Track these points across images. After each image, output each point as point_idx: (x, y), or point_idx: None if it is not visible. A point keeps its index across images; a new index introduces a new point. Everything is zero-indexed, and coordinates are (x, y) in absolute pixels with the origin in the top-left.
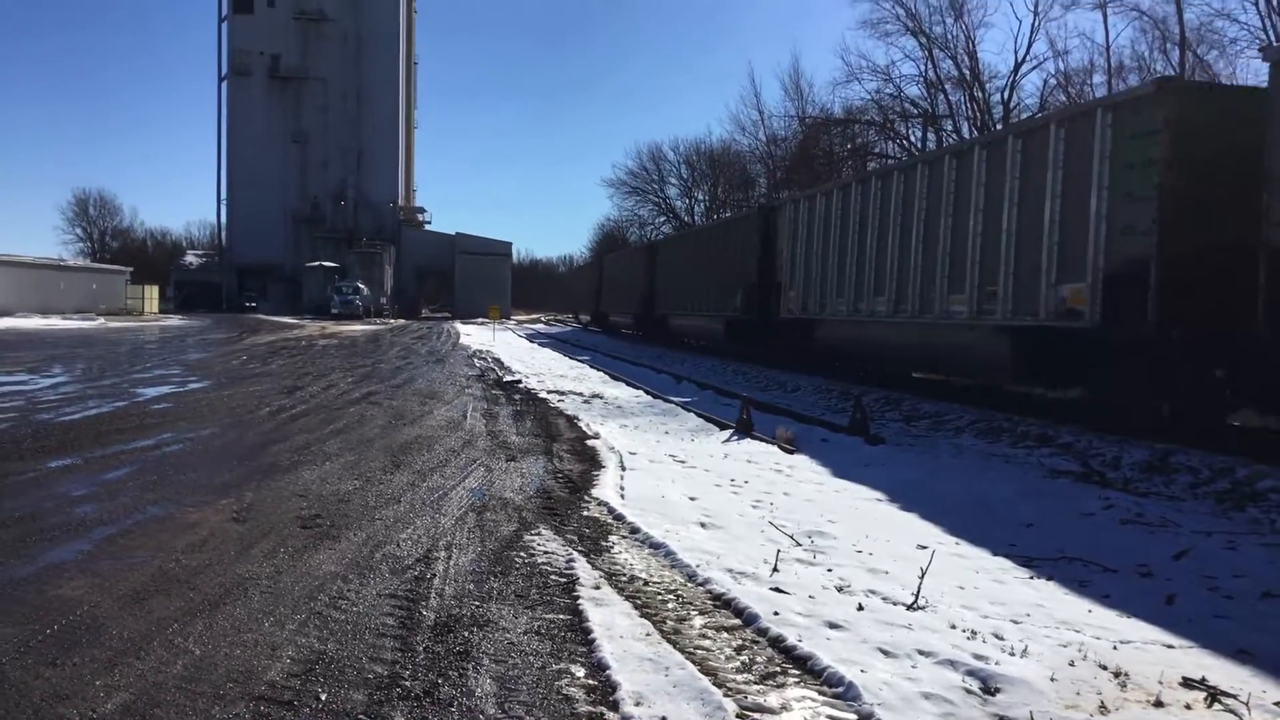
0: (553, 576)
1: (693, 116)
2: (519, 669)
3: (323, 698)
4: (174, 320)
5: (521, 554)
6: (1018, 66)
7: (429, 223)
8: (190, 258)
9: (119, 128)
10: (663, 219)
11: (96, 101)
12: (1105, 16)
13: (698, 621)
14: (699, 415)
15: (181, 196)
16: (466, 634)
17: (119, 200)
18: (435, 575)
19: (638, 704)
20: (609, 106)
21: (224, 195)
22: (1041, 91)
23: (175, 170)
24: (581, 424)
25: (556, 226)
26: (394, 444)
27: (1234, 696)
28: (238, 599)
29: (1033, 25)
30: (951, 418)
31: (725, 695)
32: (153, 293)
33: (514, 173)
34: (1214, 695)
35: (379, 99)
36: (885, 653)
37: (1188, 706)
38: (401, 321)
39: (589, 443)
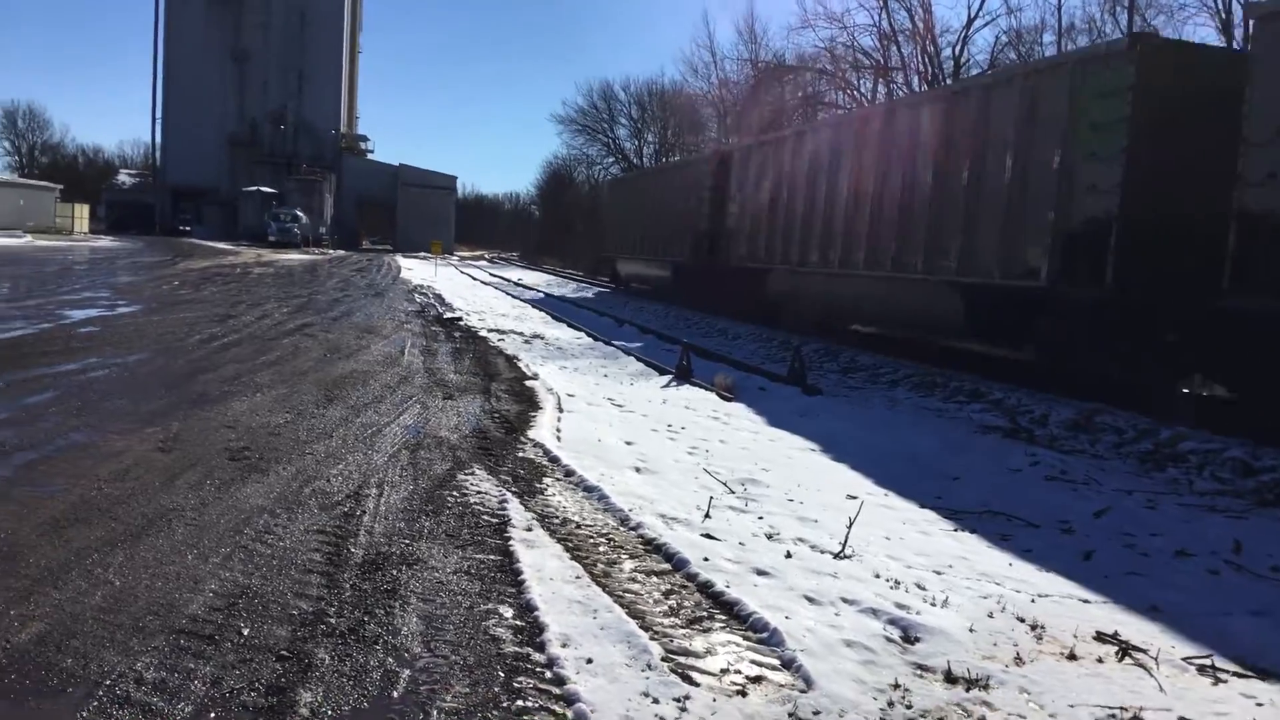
0: (485, 517)
1: (646, 56)
2: (447, 608)
3: (245, 633)
4: (105, 241)
5: (454, 493)
6: (970, 22)
7: (372, 152)
8: (123, 177)
9: (51, 39)
10: (611, 159)
11: (27, 10)
12: None
13: (628, 565)
14: (639, 360)
15: (115, 114)
16: (395, 572)
17: (49, 114)
18: (365, 512)
19: (564, 645)
20: (562, 42)
21: (159, 114)
22: (993, 48)
23: (110, 86)
24: (521, 364)
25: (503, 163)
26: (328, 378)
27: (1144, 651)
28: (161, 530)
29: None
30: (887, 371)
31: (651, 638)
32: (83, 212)
33: (462, 106)
34: (1125, 649)
35: (324, 21)
36: (810, 600)
37: (1100, 660)
38: (340, 252)
39: (527, 383)
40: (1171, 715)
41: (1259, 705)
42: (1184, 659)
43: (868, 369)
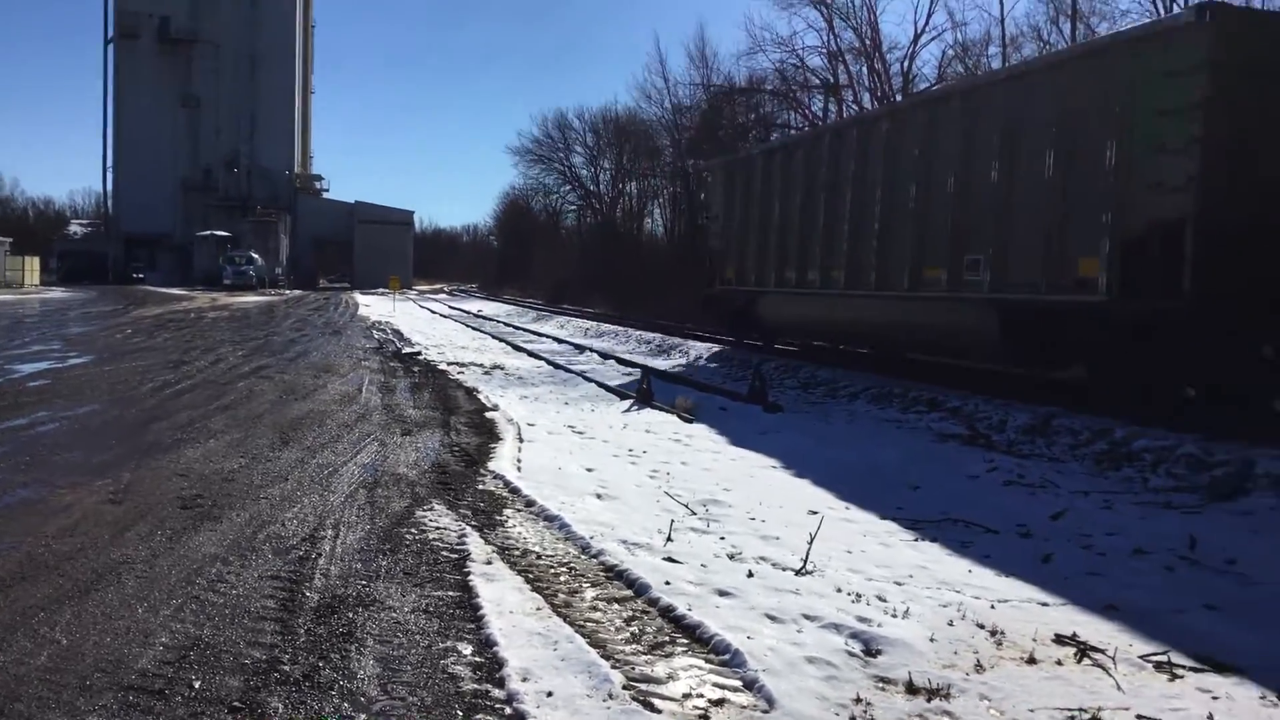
0: (444, 553)
1: (599, 86)
2: (404, 649)
3: (196, 685)
4: (56, 293)
5: (412, 531)
6: (917, 37)
7: (327, 191)
8: (75, 227)
9: None
10: (568, 188)
11: None
12: None
13: (589, 594)
14: (599, 385)
15: (66, 165)
16: (351, 615)
17: None
18: (321, 555)
19: (524, 679)
20: (515, 74)
21: (110, 163)
22: (940, 62)
23: (59, 138)
24: (481, 396)
25: (460, 196)
26: (284, 420)
27: (1102, 651)
28: (110, 584)
29: None
30: (846, 384)
31: (613, 667)
32: (34, 264)
33: (416, 141)
34: (1084, 650)
35: (274, 63)
36: (772, 618)
37: (1059, 662)
38: (298, 292)
39: (487, 415)
40: (1129, 714)
41: (1214, 698)
42: (1141, 656)
43: (826, 383)
